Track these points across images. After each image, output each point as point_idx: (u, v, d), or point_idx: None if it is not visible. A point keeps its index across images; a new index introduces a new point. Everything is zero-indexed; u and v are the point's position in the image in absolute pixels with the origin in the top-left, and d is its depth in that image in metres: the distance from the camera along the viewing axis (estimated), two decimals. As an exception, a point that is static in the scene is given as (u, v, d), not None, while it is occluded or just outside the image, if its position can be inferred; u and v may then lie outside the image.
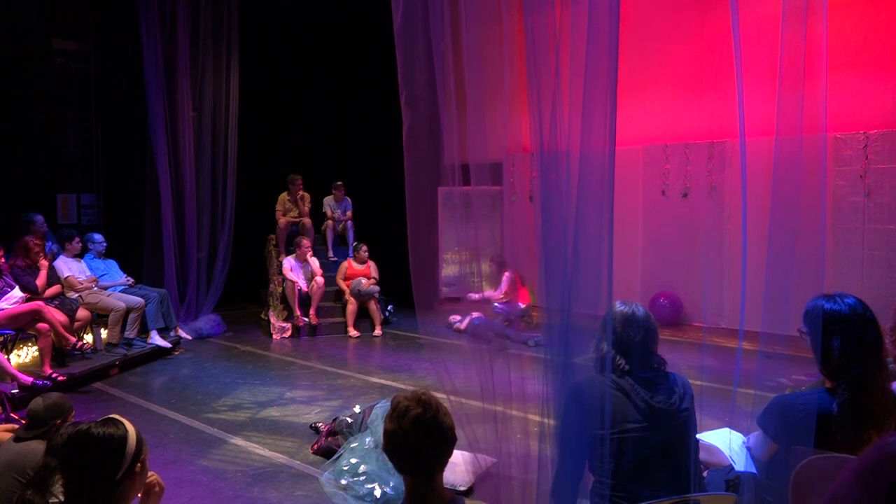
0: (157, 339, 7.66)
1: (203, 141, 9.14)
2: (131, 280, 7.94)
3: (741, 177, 2.96)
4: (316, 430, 5.10)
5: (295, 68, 11.01)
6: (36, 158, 8.85)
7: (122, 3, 8.75)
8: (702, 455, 2.68)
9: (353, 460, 4.26)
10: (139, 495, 2.12)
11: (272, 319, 8.95)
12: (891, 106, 7.41)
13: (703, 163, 8.73)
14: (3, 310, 5.99)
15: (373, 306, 8.99)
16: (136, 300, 7.48)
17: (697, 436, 2.63)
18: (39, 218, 7.17)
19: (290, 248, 9.36)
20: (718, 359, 6.63)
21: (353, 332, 8.88)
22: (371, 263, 9.33)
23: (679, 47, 8.80)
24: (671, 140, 9.03)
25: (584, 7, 2.69)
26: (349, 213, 10.14)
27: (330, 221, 10.02)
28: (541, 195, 3.06)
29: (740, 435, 2.85)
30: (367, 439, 4.40)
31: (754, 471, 2.60)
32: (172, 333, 8.02)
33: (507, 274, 8.25)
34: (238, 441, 5.06)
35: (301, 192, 9.85)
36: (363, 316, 9.06)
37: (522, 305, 8.21)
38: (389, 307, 9.51)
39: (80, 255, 7.61)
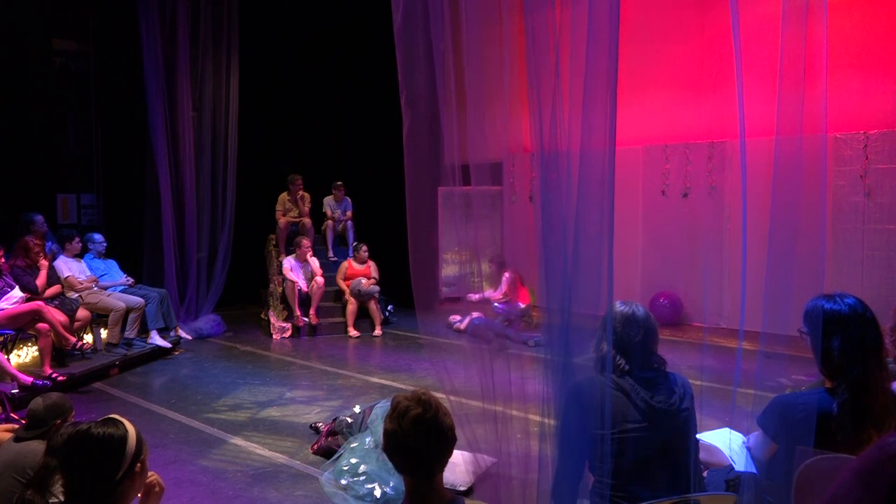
0: (157, 339, 7.66)
1: (203, 141, 9.14)
2: (131, 280, 7.94)
3: (741, 177, 2.96)
4: (316, 430, 5.10)
5: (295, 68, 11.01)
6: (36, 158, 8.85)
7: (122, 3, 8.75)
8: (702, 455, 2.68)
9: (353, 460, 4.27)
10: (139, 495, 2.12)
11: (272, 319, 8.95)
12: (891, 106, 7.41)
13: (703, 163, 8.73)
14: (3, 310, 5.99)
15: (373, 306, 8.99)
16: (136, 300, 7.48)
17: (697, 436, 2.63)
18: (39, 218, 7.17)
19: (290, 248, 9.36)
20: (718, 359, 6.63)
21: (353, 332, 8.88)
22: (371, 263, 9.33)
23: (679, 47, 8.80)
24: (671, 140, 9.03)
25: (584, 7, 2.69)
26: (349, 213, 10.14)
27: (330, 221, 10.02)
28: (541, 195, 3.06)
29: (740, 435, 2.85)
30: (367, 439, 4.40)
31: (754, 471, 2.60)
32: (172, 333, 8.03)
33: (506, 274, 8.25)
34: (238, 441, 5.06)
35: (301, 192, 9.85)
36: (363, 316, 9.06)
37: (522, 305, 8.20)
38: (389, 307, 9.52)
39: (80, 255, 7.61)
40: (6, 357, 5.94)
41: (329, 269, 9.43)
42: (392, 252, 7.25)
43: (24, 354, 6.70)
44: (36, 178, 8.75)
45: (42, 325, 6.08)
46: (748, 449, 2.70)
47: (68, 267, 7.27)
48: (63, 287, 6.95)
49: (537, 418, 3.02)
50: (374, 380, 6.74)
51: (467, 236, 4.23)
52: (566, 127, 2.89)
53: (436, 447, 1.91)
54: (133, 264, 8.45)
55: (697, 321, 8.80)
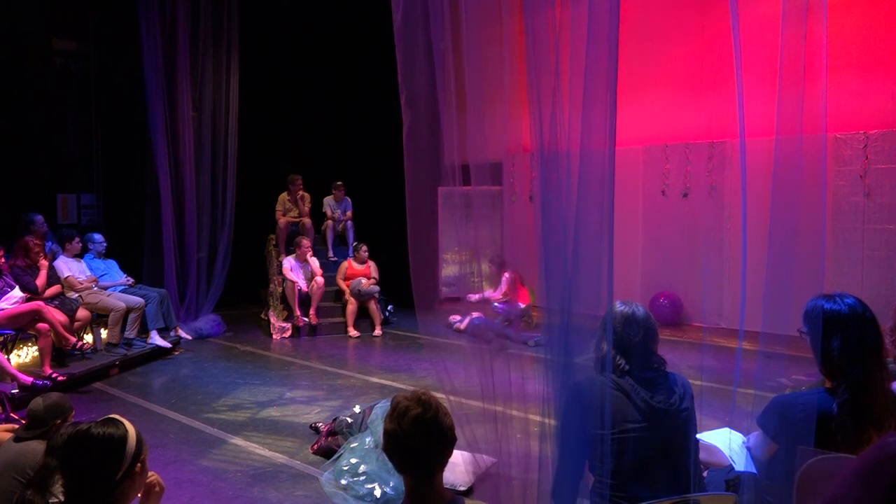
0: (157, 339, 7.66)
1: (203, 141, 9.14)
2: (131, 280, 7.94)
3: (741, 177, 2.96)
4: (316, 430, 5.10)
5: (295, 68, 11.01)
6: (36, 158, 8.85)
7: (122, 3, 8.75)
8: (702, 455, 2.68)
9: (353, 460, 4.27)
10: (139, 495, 2.12)
11: (272, 319, 8.95)
12: (891, 106, 7.41)
13: (703, 163, 8.73)
14: (3, 310, 5.99)
15: (373, 306, 8.99)
16: (136, 300, 7.48)
17: (697, 436, 2.63)
18: (39, 218, 7.17)
19: (290, 248, 9.36)
20: (718, 359, 6.63)
21: (353, 332, 8.88)
22: (371, 263, 9.33)
23: (679, 47, 8.80)
24: (671, 140, 9.03)
25: (584, 7, 2.69)
26: (349, 213, 10.14)
27: (330, 221, 10.02)
28: (541, 195, 3.06)
29: (740, 435, 2.85)
30: (367, 439, 4.40)
31: (754, 471, 2.60)
32: (172, 333, 8.02)
33: (506, 274, 8.25)
34: (238, 441, 5.06)
35: (301, 192, 9.85)
36: (363, 316, 9.06)
37: (522, 305, 8.20)
38: (389, 307, 9.52)
39: (80, 255, 7.61)
40: (6, 357, 5.94)
41: (329, 269, 9.43)
42: (392, 252, 7.25)
43: (24, 354, 6.70)
44: (36, 178, 8.75)
45: (42, 325, 6.08)
46: (748, 449, 2.70)
47: (68, 267, 7.27)
48: (63, 287, 6.95)
49: (537, 418, 3.02)
50: (374, 380, 6.74)
51: (467, 236, 4.24)
52: (566, 127, 2.89)
53: (436, 447, 1.91)
54: (133, 264, 8.45)
55: (697, 321, 8.80)
